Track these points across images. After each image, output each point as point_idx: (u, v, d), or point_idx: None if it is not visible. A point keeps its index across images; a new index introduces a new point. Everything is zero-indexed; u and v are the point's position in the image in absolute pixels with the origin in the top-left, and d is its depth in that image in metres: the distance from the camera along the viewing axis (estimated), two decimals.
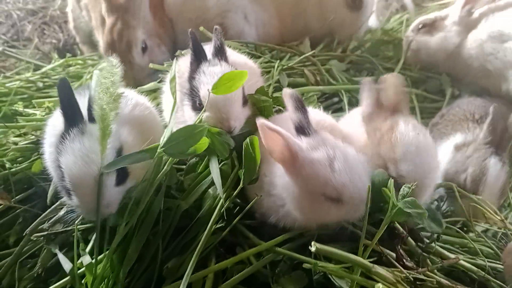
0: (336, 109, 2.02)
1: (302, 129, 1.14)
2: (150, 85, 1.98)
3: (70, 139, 1.10)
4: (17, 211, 1.52)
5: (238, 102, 1.31)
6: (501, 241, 1.50)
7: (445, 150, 1.87)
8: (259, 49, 2.34)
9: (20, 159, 1.67)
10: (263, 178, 1.22)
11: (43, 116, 1.96)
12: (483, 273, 1.29)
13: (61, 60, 2.77)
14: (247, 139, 1.18)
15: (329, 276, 1.10)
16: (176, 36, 2.59)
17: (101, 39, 2.44)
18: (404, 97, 1.45)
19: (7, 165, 1.61)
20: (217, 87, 1.22)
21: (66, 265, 1.24)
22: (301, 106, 1.15)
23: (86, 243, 1.29)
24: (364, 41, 2.66)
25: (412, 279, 1.14)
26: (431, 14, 2.63)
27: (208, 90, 1.22)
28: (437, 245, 1.33)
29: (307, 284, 1.16)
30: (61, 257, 1.27)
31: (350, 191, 1.07)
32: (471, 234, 1.49)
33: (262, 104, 1.40)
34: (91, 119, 1.13)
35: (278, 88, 1.95)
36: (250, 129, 1.34)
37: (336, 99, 2.08)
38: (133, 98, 1.39)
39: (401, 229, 1.24)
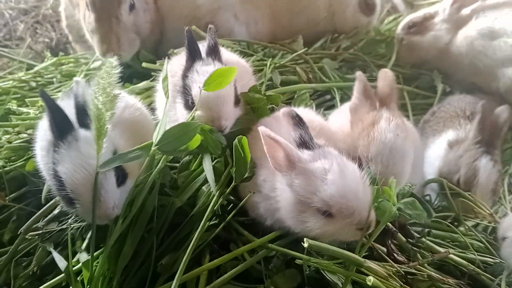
0: (328, 107, 2.04)
1: (305, 143, 1.14)
2: (143, 83, 1.99)
3: (66, 148, 1.10)
4: (12, 209, 1.52)
5: (230, 101, 1.32)
6: (491, 235, 1.52)
7: (439, 147, 1.90)
8: (251, 47, 2.35)
9: (13, 157, 1.67)
10: (263, 184, 1.23)
11: (37, 114, 1.96)
12: (473, 266, 1.31)
13: (54, 59, 2.76)
14: (236, 139, 1.19)
15: (322, 271, 1.12)
16: (167, 33, 2.59)
17: None
18: (394, 92, 1.47)
19: (1, 164, 1.61)
20: (208, 84, 1.23)
21: (61, 263, 1.25)
22: (300, 122, 1.15)
23: (82, 241, 1.30)
24: (357, 40, 2.68)
25: (403, 273, 1.16)
26: (420, 12, 2.65)
27: (199, 88, 1.24)
28: (428, 239, 1.35)
29: (301, 279, 1.18)
30: (56, 255, 1.28)
31: (339, 204, 1.04)
32: (461, 229, 1.51)
33: (256, 104, 1.41)
34: (82, 125, 1.14)
35: (271, 86, 1.96)
36: (242, 127, 1.36)
37: (328, 97, 2.11)
38: (123, 99, 1.40)
39: (390, 225, 1.25)
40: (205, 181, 1.28)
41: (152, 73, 1.98)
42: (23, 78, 2.50)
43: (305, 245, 1.05)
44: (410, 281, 1.17)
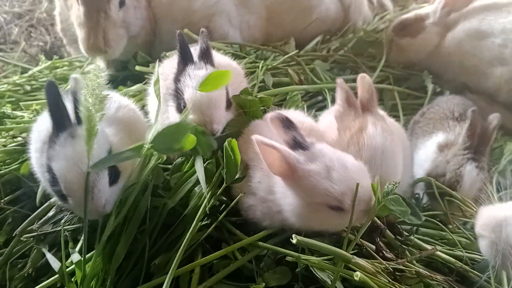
0: (320, 108, 2.06)
1: (299, 144, 1.14)
2: (136, 86, 2.01)
3: (61, 143, 1.13)
4: (7, 212, 1.54)
5: (222, 105, 1.35)
6: None
7: (429, 149, 1.91)
8: (244, 49, 2.37)
9: (8, 160, 1.68)
10: (258, 186, 1.24)
11: (31, 118, 1.98)
12: (461, 263, 1.33)
13: (48, 62, 2.77)
14: (226, 142, 1.22)
15: (311, 269, 1.14)
16: (161, 36, 2.61)
17: None
18: (373, 96, 1.49)
19: None
20: (204, 86, 1.26)
21: (55, 264, 1.27)
22: (290, 125, 1.16)
23: (76, 243, 1.32)
24: (347, 41, 2.71)
25: (391, 270, 1.18)
26: (411, 13, 2.68)
27: (192, 93, 1.26)
28: (416, 237, 1.38)
29: (291, 277, 1.20)
30: (50, 256, 1.30)
31: (350, 198, 1.08)
32: (450, 227, 1.53)
33: (248, 107, 1.44)
34: (80, 121, 1.16)
35: (264, 88, 1.98)
36: (234, 130, 1.38)
37: (320, 98, 2.13)
38: (116, 100, 1.42)
39: (378, 222, 1.28)
40: (197, 182, 1.30)
41: (145, 76, 2.00)
42: (17, 81, 2.51)
43: (294, 241, 1.08)
44: (398, 278, 1.20)
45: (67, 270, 1.19)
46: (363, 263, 1.12)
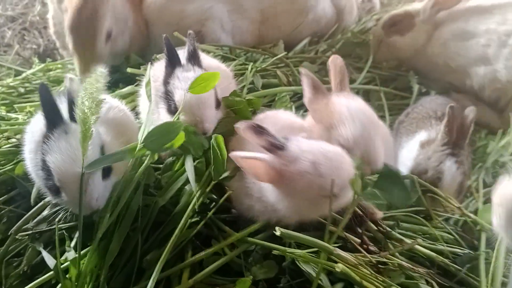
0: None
1: (274, 145, 1.13)
2: (128, 88, 2.04)
3: (55, 139, 1.16)
4: (2, 211, 1.56)
5: (211, 105, 1.38)
6: (461, 228, 1.59)
7: (411, 147, 1.96)
8: (234, 51, 2.41)
9: (3, 161, 1.71)
10: (253, 186, 1.27)
11: (25, 120, 2.00)
12: (442, 257, 1.38)
13: (42, 65, 2.79)
14: (212, 139, 1.26)
15: (297, 262, 1.19)
16: (153, 39, 2.64)
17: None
18: (345, 77, 1.53)
19: None
20: (193, 87, 1.30)
21: (50, 261, 1.29)
22: (260, 129, 1.14)
23: (70, 241, 1.35)
24: (335, 42, 2.75)
25: (375, 262, 1.23)
26: (401, 9, 2.71)
27: (182, 95, 1.30)
28: (399, 232, 1.42)
29: (278, 270, 1.24)
30: (45, 254, 1.32)
31: (340, 186, 1.12)
32: (432, 223, 1.58)
33: (237, 108, 1.47)
34: (73, 119, 1.19)
35: (253, 89, 2.02)
36: (224, 130, 1.42)
37: None
38: (107, 101, 1.45)
39: (359, 210, 1.32)
40: (187, 181, 1.34)
41: (137, 78, 2.03)
42: (11, 84, 2.54)
43: (277, 233, 1.12)
44: (381, 270, 1.24)
45: (62, 267, 1.22)
46: (346, 255, 1.16)
